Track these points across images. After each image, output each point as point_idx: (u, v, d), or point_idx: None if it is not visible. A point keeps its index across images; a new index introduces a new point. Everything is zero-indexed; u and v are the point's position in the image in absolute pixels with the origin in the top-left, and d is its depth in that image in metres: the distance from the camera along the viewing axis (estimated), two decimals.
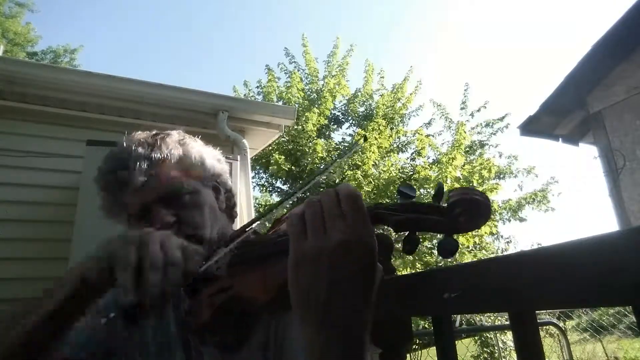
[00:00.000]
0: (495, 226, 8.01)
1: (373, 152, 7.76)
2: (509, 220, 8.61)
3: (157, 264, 0.53)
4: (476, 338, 7.11)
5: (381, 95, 10.13)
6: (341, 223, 0.44)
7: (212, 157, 0.85)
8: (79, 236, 2.34)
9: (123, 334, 0.73)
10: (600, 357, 6.00)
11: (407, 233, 0.49)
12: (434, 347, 0.84)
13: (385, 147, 8.49)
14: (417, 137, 9.30)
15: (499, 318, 5.71)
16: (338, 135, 10.35)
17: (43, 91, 2.88)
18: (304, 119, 8.46)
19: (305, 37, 10.31)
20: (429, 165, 8.75)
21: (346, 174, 7.37)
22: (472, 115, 9.79)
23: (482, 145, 9.62)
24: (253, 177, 9.27)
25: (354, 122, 10.32)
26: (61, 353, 0.64)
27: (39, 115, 2.90)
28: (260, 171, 9.35)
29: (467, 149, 9.19)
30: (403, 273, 5.56)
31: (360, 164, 7.67)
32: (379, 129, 8.53)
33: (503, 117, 9.66)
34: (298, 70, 10.20)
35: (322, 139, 8.99)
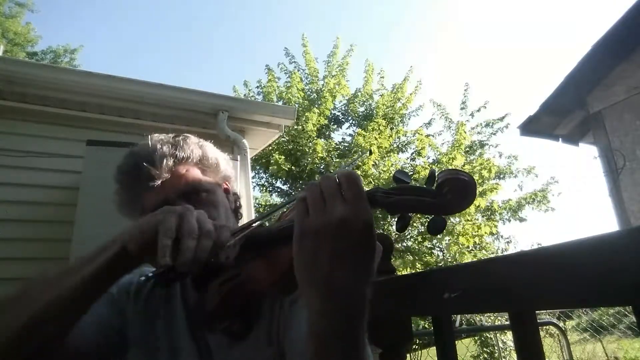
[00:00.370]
0: (495, 226, 8.01)
1: (373, 152, 7.76)
2: (509, 220, 8.61)
3: (193, 232, 0.58)
4: (476, 338, 7.11)
5: (381, 95, 10.12)
6: (340, 202, 0.48)
7: (225, 160, 0.91)
8: (79, 236, 2.34)
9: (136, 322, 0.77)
10: (600, 357, 6.00)
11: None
12: (434, 347, 0.84)
13: (385, 147, 8.48)
14: (417, 137, 9.29)
15: (499, 318, 5.71)
16: (338, 135, 10.35)
17: (43, 91, 2.88)
18: (304, 119, 8.46)
19: (305, 37, 10.30)
20: (429, 166, 8.74)
21: None
22: (472, 115, 9.79)
23: (482, 145, 9.61)
24: (253, 177, 9.27)
25: (354, 122, 10.31)
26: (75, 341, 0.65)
27: (39, 115, 2.90)
28: (260, 171, 9.34)
29: (467, 149, 9.18)
30: (403, 273, 5.57)
31: (360, 164, 7.67)
32: (379, 129, 8.53)
33: (503, 117, 9.65)
34: (298, 70, 10.19)
35: (322, 139, 8.99)
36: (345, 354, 0.46)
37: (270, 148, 7.68)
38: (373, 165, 7.93)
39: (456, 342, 0.88)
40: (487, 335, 6.82)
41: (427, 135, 9.50)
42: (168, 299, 0.80)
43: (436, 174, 0.50)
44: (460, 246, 7.36)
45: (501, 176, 9.10)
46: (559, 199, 8.82)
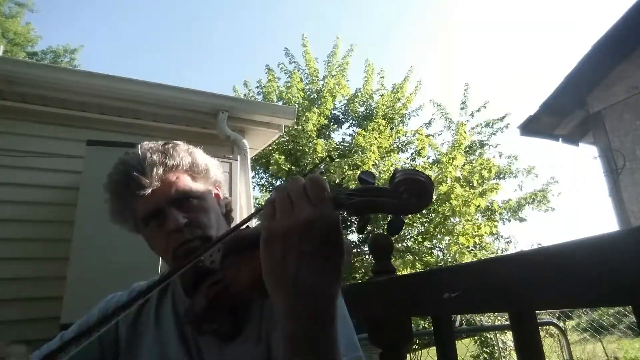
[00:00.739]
0: (495, 226, 8.00)
1: (373, 152, 7.75)
2: (509, 220, 8.60)
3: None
4: (476, 338, 7.09)
5: (381, 95, 10.12)
6: (306, 204, 0.48)
7: (214, 166, 0.92)
8: (79, 236, 2.34)
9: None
10: (600, 357, 5.99)
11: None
12: (434, 347, 0.84)
13: (385, 147, 8.48)
14: (417, 137, 9.29)
15: (499, 318, 5.71)
16: (338, 135, 10.36)
17: (43, 91, 2.88)
18: (304, 119, 8.46)
19: (305, 37, 10.31)
20: (429, 166, 8.75)
21: (346, 174, 7.37)
22: (472, 115, 9.79)
23: (482, 145, 9.61)
24: (253, 177, 9.27)
25: (354, 122, 10.32)
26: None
27: (39, 115, 2.90)
28: (260, 171, 9.34)
29: (467, 149, 9.18)
30: (403, 273, 5.56)
31: (360, 164, 7.66)
32: (379, 129, 8.53)
33: (503, 117, 9.65)
34: (298, 70, 10.19)
35: (322, 139, 8.99)
36: (318, 355, 0.46)
37: (270, 148, 7.68)
38: (373, 165, 7.92)
39: (456, 342, 0.88)
40: (487, 335, 6.81)
41: (427, 135, 9.51)
42: (157, 315, 0.82)
43: (397, 174, 0.50)
44: (460, 246, 7.35)
45: (501, 176, 9.10)
46: (559, 199, 8.84)
